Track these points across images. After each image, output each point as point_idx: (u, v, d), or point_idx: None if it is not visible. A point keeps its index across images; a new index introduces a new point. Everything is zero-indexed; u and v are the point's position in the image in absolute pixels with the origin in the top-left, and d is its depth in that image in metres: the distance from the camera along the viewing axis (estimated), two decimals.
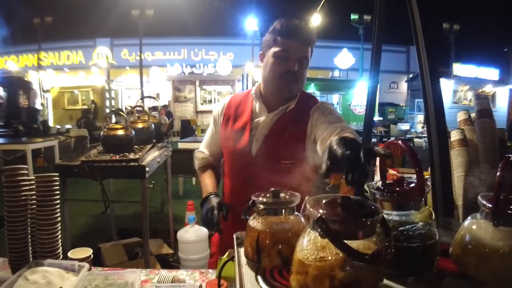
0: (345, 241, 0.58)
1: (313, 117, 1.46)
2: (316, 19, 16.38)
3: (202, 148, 1.74)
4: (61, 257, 1.42)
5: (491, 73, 20.48)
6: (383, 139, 12.20)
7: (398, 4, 1.51)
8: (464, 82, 20.27)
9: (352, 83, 19.78)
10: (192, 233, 3.19)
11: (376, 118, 17.16)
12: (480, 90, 20.42)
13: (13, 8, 17.89)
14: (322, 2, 11.41)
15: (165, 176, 3.95)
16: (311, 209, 0.63)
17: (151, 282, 1.32)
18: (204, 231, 2.91)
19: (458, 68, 19.94)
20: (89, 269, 1.33)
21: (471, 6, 21.80)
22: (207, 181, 1.61)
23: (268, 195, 0.89)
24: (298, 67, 1.40)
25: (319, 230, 0.60)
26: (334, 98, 20.66)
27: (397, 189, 0.80)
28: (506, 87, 20.73)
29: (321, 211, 0.62)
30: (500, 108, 20.46)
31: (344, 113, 19.48)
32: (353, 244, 0.61)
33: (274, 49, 1.41)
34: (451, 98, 20.02)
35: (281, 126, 1.48)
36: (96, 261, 3.11)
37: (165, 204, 5.05)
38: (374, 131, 12.84)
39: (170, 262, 3.34)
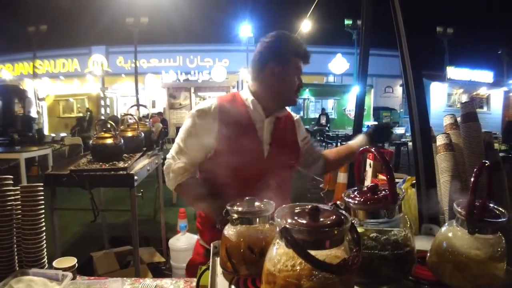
0: (311, 251, 0.57)
1: (297, 124, 1.73)
2: (308, 25, 16.41)
3: (178, 157, 1.54)
4: (46, 266, 1.41)
5: (485, 75, 20.58)
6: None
7: (389, 8, 1.54)
8: (458, 85, 20.35)
9: (347, 88, 19.87)
10: (184, 241, 3.18)
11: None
12: (474, 93, 20.52)
13: (8, 17, 17.92)
14: (312, 8, 11.47)
15: (158, 184, 3.94)
16: (278, 219, 0.63)
17: None
18: (195, 238, 2.89)
19: (452, 72, 20.04)
20: (73, 278, 1.33)
21: (464, 9, 22.00)
22: (201, 189, 1.51)
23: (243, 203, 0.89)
24: None
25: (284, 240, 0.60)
26: (329, 103, 20.74)
27: (369, 197, 0.80)
28: (501, 89, 20.85)
29: (289, 220, 0.62)
30: (494, 110, 20.56)
31: (339, 118, 19.60)
32: (322, 253, 0.61)
33: (293, 67, 1.53)
34: (446, 101, 20.09)
35: (282, 130, 1.60)
36: (89, 269, 3.11)
37: (157, 212, 5.01)
38: None
39: (163, 270, 3.33)
